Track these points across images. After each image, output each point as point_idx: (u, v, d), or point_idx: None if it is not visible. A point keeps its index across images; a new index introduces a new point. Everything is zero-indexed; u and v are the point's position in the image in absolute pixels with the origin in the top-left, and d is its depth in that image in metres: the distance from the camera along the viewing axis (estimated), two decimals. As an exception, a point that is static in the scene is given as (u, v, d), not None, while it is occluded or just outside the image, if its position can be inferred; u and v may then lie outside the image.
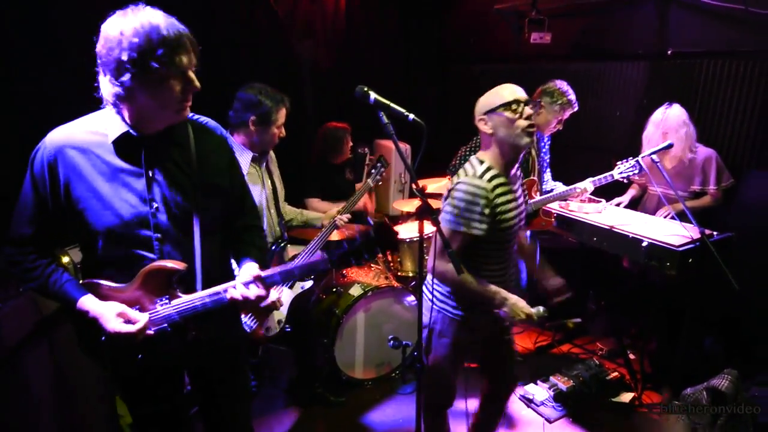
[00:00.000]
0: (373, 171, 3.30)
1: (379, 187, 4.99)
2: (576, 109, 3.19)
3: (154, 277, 1.45)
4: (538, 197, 3.09)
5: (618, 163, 2.99)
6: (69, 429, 2.14)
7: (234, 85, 2.54)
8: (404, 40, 5.29)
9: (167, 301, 1.47)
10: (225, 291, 1.47)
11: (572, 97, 3.15)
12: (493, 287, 1.94)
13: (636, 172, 2.89)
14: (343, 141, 3.55)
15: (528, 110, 1.88)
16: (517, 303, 1.92)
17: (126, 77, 1.28)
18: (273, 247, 2.69)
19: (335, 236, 3.27)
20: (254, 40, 3.98)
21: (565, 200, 3.14)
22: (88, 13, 2.65)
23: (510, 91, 1.90)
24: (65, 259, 2.26)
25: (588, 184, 2.95)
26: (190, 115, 1.57)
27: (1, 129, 2.54)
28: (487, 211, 1.86)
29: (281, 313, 2.76)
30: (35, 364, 1.98)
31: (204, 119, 1.62)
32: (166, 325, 1.48)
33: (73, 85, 2.48)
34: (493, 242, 1.95)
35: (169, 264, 1.46)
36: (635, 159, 2.90)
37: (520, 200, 2.07)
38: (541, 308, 1.91)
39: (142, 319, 1.43)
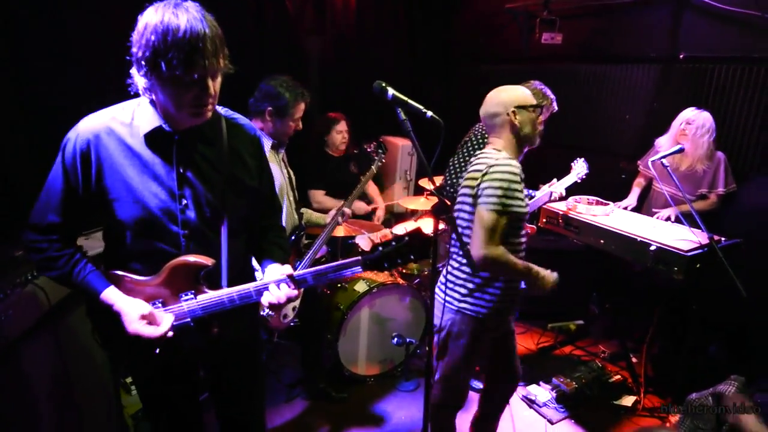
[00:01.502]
0: (375, 158, 3.32)
1: (384, 184, 5.01)
2: (556, 109, 3.07)
3: (181, 272, 1.44)
4: None
5: (572, 164, 3.18)
6: (72, 420, 2.13)
7: (241, 80, 2.53)
8: (412, 38, 5.27)
9: (192, 296, 1.46)
10: (256, 289, 1.46)
11: (552, 96, 3.03)
12: (528, 264, 1.99)
13: (585, 170, 3.14)
14: (329, 131, 3.60)
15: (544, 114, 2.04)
16: (547, 276, 2.01)
17: (142, 72, 1.27)
18: (291, 237, 2.70)
19: (340, 231, 3.28)
20: (262, 34, 3.96)
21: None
22: (98, 7, 2.67)
23: (536, 93, 2.08)
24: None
25: (561, 188, 3.03)
26: (225, 112, 1.56)
27: (11, 120, 2.52)
28: (522, 190, 1.92)
29: (296, 300, 2.77)
30: (39, 355, 1.97)
31: (239, 117, 1.59)
32: (189, 319, 1.47)
33: (83, 78, 2.49)
34: (513, 229, 1.97)
35: (197, 259, 1.44)
36: (582, 159, 3.18)
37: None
38: (554, 274, 2.04)
39: (165, 322, 1.42)
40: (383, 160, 3.35)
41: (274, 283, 1.46)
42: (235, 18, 3.75)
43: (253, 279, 1.52)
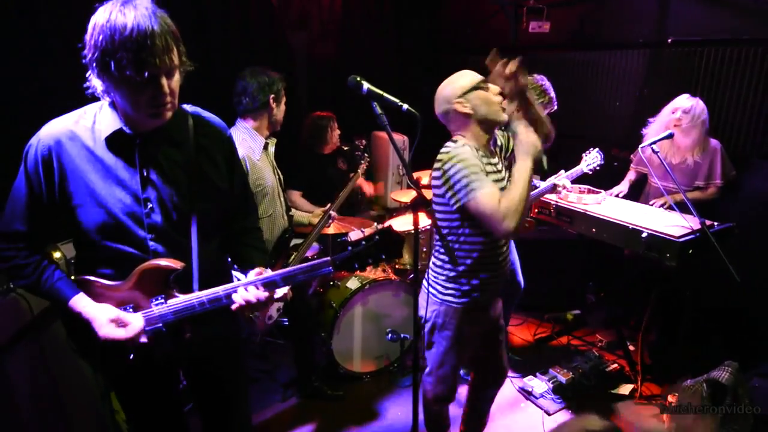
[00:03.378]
0: (361, 161, 3.33)
1: (376, 179, 4.99)
2: (555, 108, 3.03)
3: (150, 276, 1.42)
4: None
5: (583, 155, 3.01)
6: (61, 427, 2.11)
7: (225, 76, 2.51)
8: (399, 30, 5.23)
9: (163, 300, 1.43)
10: (225, 293, 1.43)
11: (553, 95, 2.99)
12: (514, 176, 1.83)
13: (599, 162, 2.95)
14: (326, 129, 3.55)
15: (495, 88, 1.92)
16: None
17: (95, 74, 1.25)
18: (282, 239, 2.68)
19: (331, 228, 3.26)
20: (247, 30, 3.93)
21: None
22: (72, 4, 2.64)
23: (474, 74, 1.95)
24: (57, 255, 2.23)
25: (565, 180, 2.92)
26: (195, 110, 1.52)
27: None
28: (482, 174, 1.83)
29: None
30: (23, 364, 1.95)
31: (208, 115, 1.55)
32: (160, 324, 1.44)
33: (58, 79, 2.45)
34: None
35: (166, 262, 1.42)
36: (596, 149, 2.99)
37: (506, 179, 2.02)
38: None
39: (136, 323, 1.40)
40: (368, 162, 3.36)
41: (243, 286, 1.43)
42: (219, 14, 3.72)
43: (230, 281, 1.49)
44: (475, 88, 1.91)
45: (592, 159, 3.03)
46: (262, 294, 1.43)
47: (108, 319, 1.38)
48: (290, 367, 3.22)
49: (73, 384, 2.16)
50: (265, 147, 2.56)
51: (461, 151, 1.86)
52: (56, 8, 2.62)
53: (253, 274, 1.49)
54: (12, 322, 1.88)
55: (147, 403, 1.64)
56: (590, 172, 3.01)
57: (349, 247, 1.40)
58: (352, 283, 3.11)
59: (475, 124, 1.94)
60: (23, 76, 2.54)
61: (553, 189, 2.96)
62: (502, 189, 1.92)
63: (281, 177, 2.74)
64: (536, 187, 3.03)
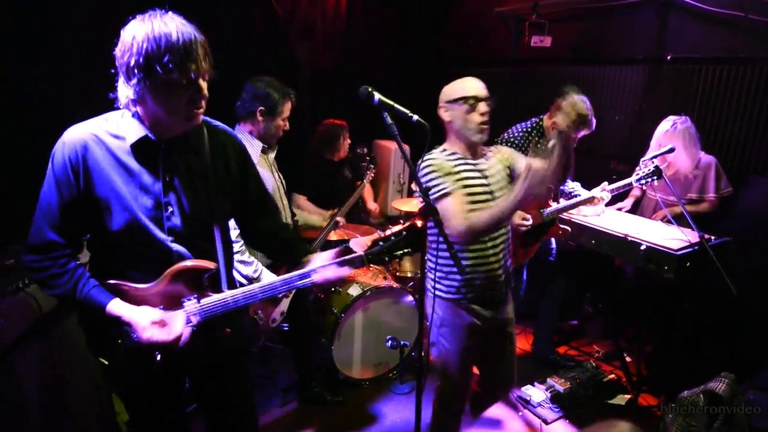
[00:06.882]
0: (366, 171, 3.38)
1: (377, 188, 5.03)
2: (592, 129, 3.00)
3: (183, 277, 1.46)
4: (554, 205, 2.86)
5: (637, 168, 2.90)
6: (64, 427, 2.13)
7: (231, 85, 2.55)
8: (401, 42, 5.30)
9: (195, 300, 1.47)
10: (260, 289, 1.51)
11: (590, 115, 2.97)
12: (498, 202, 1.84)
13: (656, 177, 2.77)
14: (339, 138, 3.59)
15: (483, 107, 1.96)
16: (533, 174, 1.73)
17: (134, 81, 1.30)
18: None
19: (333, 235, 3.30)
20: (252, 39, 3.98)
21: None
22: (86, 13, 2.68)
23: (472, 86, 1.98)
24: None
25: (605, 194, 2.90)
26: (205, 119, 1.57)
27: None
28: (449, 178, 1.92)
29: (284, 305, 2.80)
30: (31, 363, 1.96)
31: (220, 124, 1.62)
32: (193, 323, 1.48)
33: (71, 85, 2.49)
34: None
35: (200, 263, 1.47)
36: (655, 165, 2.79)
37: (495, 183, 2.04)
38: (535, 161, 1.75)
39: (179, 323, 1.43)
40: (373, 173, 3.41)
41: (321, 267, 1.54)
42: (224, 22, 3.76)
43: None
44: (462, 100, 1.96)
45: (644, 173, 2.81)
46: (345, 271, 1.56)
47: (150, 321, 1.40)
48: (290, 373, 3.23)
49: (78, 383, 2.18)
50: (264, 151, 2.60)
51: (432, 158, 1.97)
52: (76, 16, 2.65)
53: (325, 257, 1.58)
54: (21, 320, 1.89)
55: (153, 406, 1.65)
56: (639, 185, 2.88)
57: (380, 243, 1.51)
58: (354, 290, 3.14)
59: (453, 134, 2.04)
60: (40, 85, 2.56)
61: (591, 200, 2.93)
62: (482, 192, 1.97)
63: (283, 180, 2.77)
64: (576, 195, 3.01)
